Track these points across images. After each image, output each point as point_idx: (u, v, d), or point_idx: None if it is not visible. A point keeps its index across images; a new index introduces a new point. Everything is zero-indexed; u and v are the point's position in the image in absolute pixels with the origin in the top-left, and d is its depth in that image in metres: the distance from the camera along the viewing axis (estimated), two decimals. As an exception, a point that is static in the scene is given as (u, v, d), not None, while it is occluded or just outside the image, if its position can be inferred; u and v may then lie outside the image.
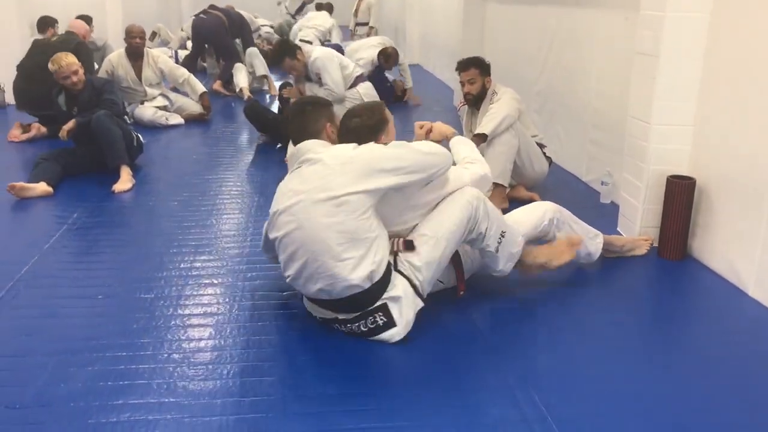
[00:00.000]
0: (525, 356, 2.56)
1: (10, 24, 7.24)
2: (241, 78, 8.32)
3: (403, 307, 2.57)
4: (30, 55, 6.26)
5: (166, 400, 2.25)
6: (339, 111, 2.99)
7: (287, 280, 2.67)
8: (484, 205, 2.73)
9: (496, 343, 2.63)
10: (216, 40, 8.96)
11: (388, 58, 7.70)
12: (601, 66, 4.57)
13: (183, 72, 6.90)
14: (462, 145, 3.12)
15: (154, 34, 11.55)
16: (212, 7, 9.29)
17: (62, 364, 2.44)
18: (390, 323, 2.56)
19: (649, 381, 2.40)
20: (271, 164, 5.33)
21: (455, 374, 2.42)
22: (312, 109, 2.83)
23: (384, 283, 2.54)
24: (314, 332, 2.70)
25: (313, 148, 2.66)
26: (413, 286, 2.59)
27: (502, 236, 2.80)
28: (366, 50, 7.80)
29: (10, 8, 7.26)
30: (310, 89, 5.92)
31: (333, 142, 2.77)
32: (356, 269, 2.47)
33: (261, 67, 8.62)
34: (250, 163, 5.43)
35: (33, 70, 5.98)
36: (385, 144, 2.67)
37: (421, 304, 2.62)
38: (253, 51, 8.69)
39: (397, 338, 2.57)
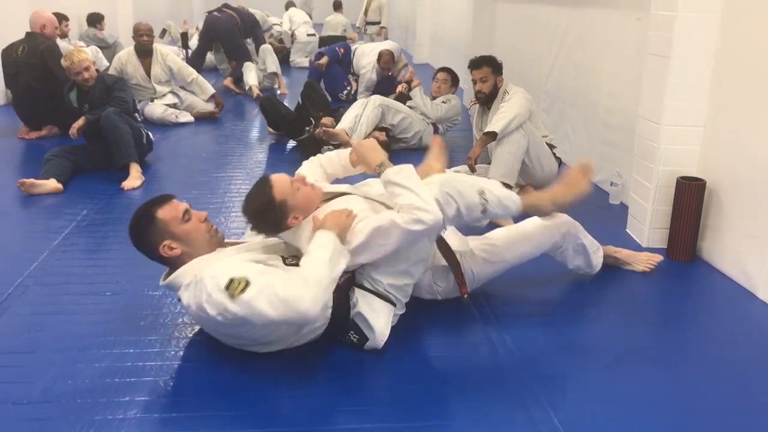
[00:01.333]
0: (533, 359, 2.55)
1: (22, 22, 7.26)
2: (251, 77, 8.34)
3: (372, 318, 2.48)
4: (6, 73, 6.13)
5: (174, 398, 2.26)
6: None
7: None
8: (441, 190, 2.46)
9: (504, 347, 2.63)
10: (229, 39, 8.97)
11: (379, 59, 7.68)
12: (611, 66, 4.55)
13: (191, 72, 6.92)
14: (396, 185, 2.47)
15: (164, 32, 11.59)
16: (226, 5, 9.30)
17: (70, 360, 2.45)
18: (363, 338, 2.49)
19: (657, 383, 2.39)
20: (281, 162, 5.34)
21: (463, 379, 2.42)
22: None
23: (341, 307, 2.48)
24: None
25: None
26: (378, 294, 2.52)
27: (484, 197, 2.55)
28: (368, 56, 7.81)
29: (23, 4, 7.29)
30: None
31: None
32: None
33: (272, 65, 8.65)
34: (259, 161, 5.44)
35: (21, 91, 5.94)
36: (295, 225, 2.48)
37: (394, 308, 2.54)
38: (266, 48, 8.73)
39: (379, 346, 2.49)
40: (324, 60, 8.00)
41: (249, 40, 9.32)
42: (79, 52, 4.86)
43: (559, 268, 3.16)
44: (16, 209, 4.16)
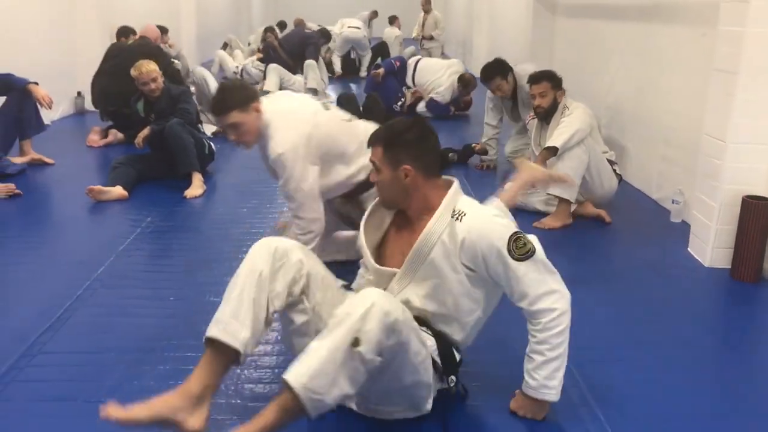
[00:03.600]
0: (590, 373, 2.52)
1: (92, 33, 7.55)
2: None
3: None
4: (107, 58, 6.51)
5: (233, 401, 2.31)
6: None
7: None
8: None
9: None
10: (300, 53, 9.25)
11: (467, 84, 7.80)
12: (674, 82, 4.47)
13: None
14: None
15: (225, 45, 11.88)
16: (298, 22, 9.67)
17: (136, 361, 2.53)
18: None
19: (716, 402, 2.35)
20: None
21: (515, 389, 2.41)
22: None
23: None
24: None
25: None
26: None
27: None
28: (442, 78, 7.87)
29: (92, 18, 7.58)
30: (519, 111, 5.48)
31: None
32: None
33: (312, 81, 8.92)
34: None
35: (112, 69, 6.22)
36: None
37: None
38: (310, 63, 8.92)
39: None
40: (380, 71, 8.19)
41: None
42: (149, 63, 5.02)
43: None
44: (84, 215, 4.31)
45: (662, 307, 3.13)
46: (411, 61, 8.32)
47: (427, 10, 13.14)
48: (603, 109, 5.51)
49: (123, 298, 3.09)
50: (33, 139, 5.42)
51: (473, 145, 5.65)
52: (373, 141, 2.18)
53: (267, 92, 8.63)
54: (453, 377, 2.20)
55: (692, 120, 3.97)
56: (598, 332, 2.87)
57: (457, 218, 2.09)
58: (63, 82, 7.08)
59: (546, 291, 2.08)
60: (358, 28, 11.81)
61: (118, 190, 4.54)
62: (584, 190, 4.22)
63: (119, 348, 2.62)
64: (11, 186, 4.53)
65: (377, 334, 1.82)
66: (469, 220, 2.08)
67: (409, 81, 8.12)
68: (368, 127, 3.14)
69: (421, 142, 2.15)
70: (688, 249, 3.75)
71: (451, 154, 5.61)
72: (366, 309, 1.83)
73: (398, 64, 8.34)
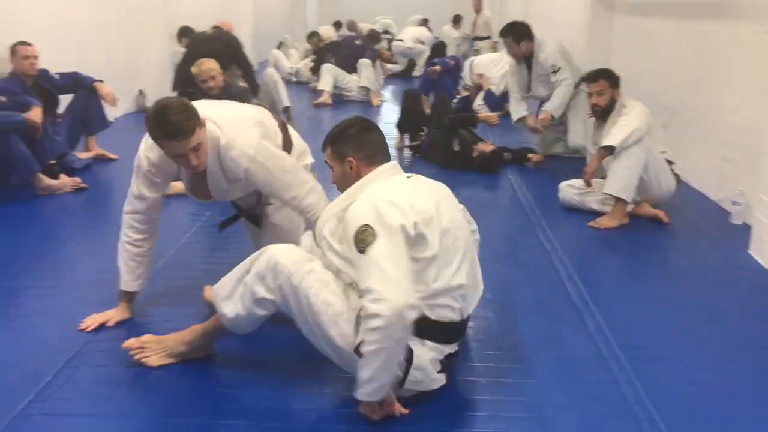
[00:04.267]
0: (644, 371, 2.50)
1: (154, 34, 7.77)
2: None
3: None
4: (189, 47, 6.69)
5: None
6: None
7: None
8: None
9: (613, 357, 2.59)
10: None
11: None
12: (736, 80, 4.38)
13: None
14: None
15: (280, 44, 12.04)
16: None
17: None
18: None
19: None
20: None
21: (571, 387, 2.41)
22: None
23: None
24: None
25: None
26: None
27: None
28: (494, 70, 7.86)
29: (154, 19, 7.79)
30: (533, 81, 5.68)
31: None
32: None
33: (365, 79, 8.95)
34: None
35: (193, 55, 6.23)
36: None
37: None
38: (364, 62, 8.98)
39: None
40: (437, 68, 8.25)
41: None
42: (208, 61, 5.14)
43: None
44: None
45: (721, 309, 3.08)
46: (467, 61, 8.39)
47: (478, 11, 13.11)
48: (661, 108, 5.42)
49: (185, 288, 3.19)
50: (98, 135, 5.61)
51: (529, 155, 5.66)
52: (324, 144, 2.43)
53: (322, 91, 8.73)
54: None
55: (755, 119, 3.89)
56: (654, 332, 2.85)
57: (348, 208, 2.21)
58: (126, 81, 7.30)
59: (367, 288, 2.01)
60: (422, 42, 11.95)
61: (179, 185, 4.65)
62: (641, 190, 4.16)
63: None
64: (77, 180, 4.71)
65: (261, 270, 2.25)
66: (354, 205, 2.20)
67: (466, 79, 8.16)
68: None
69: (361, 134, 2.37)
70: (749, 251, 3.67)
71: (506, 154, 5.62)
72: (264, 251, 2.29)
73: (453, 62, 8.51)
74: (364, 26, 13.47)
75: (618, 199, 4.06)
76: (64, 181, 4.63)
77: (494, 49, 12.91)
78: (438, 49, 10.74)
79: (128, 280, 2.82)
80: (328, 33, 12.81)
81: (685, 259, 3.75)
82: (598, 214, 4.20)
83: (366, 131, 2.40)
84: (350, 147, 2.35)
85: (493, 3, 16.35)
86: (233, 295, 2.34)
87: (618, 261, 3.83)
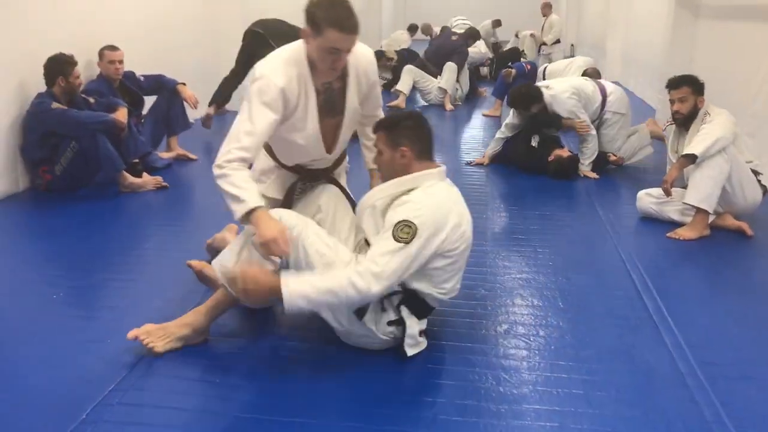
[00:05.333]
0: (724, 390, 2.41)
1: (234, 37, 7.91)
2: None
3: None
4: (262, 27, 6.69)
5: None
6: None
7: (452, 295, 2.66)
8: None
9: (691, 374, 2.51)
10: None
11: (591, 78, 7.55)
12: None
13: None
14: None
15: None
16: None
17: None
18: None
19: None
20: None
21: (646, 402, 2.35)
22: None
23: None
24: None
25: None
26: None
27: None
28: (566, 73, 7.71)
29: (234, 23, 7.97)
30: None
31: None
32: None
33: (446, 82, 8.82)
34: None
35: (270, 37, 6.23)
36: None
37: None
38: (450, 65, 8.85)
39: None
40: (512, 71, 8.19)
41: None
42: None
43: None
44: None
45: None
46: (541, 68, 8.32)
47: (545, 14, 12.72)
48: (748, 117, 5.21)
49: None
50: (179, 136, 5.79)
51: (609, 155, 5.52)
52: (377, 127, 2.62)
53: (399, 92, 8.70)
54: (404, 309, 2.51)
55: None
56: (734, 349, 2.74)
57: (403, 195, 2.48)
58: (207, 83, 7.49)
59: (374, 258, 2.33)
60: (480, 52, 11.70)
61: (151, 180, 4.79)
62: (724, 201, 4.01)
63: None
64: (159, 179, 4.87)
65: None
66: (416, 198, 2.45)
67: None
68: None
69: (418, 128, 2.57)
70: (841, 267, 3.49)
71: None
72: None
73: (529, 67, 8.46)
74: (437, 30, 13.34)
75: (699, 210, 3.93)
76: (147, 180, 4.80)
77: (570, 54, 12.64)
78: (511, 54, 10.63)
79: (253, 193, 2.41)
80: (402, 37, 12.74)
81: (770, 275, 3.60)
82: (677, 224, 4.07)
83: (422, 128, 2.60)
84: (407, 138, 2.52)
85: (570, 7, 16.09)
86: (239, 261, 2.50)
87: (697, 274, 3.70)
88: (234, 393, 2.39)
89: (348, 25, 2.39)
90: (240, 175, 2.41)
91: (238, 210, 2.38)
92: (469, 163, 5.85)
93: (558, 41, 12.65)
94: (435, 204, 2.44)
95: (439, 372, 2.53)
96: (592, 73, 7.47)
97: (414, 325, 2.54)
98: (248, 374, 2.50)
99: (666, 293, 3.21)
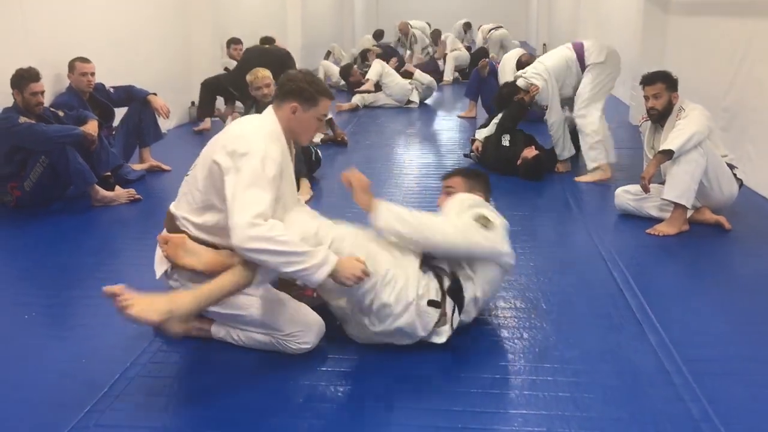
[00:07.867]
0: (710, 387, 2.40)
1: (204, 46, 7.90)
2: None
3: None
4: (247, 54, 7.11)
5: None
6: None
7: None
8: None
9: (677, 371, 2.50)
10: None
11: (521, 66, 7.46)
12: (802, 80, 4.20)
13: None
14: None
15: (328, 53, 12.10)
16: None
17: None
18: None
19: None
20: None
21: (633, 402, 2.33)
22: None
23: None
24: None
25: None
26: None
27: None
28: (507, 67, 7.70)
29: (205, 32, 7.91)
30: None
31: None
32: None
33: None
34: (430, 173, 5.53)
35: (251, 66, 6.35)
36: None
37: None
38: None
39: None
40: (486, 63, 8.21)
41: None
42: (264, 70, 5.25)
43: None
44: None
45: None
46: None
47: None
48: (720, 110, 5.25)
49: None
50: (151, 147, 5.70)
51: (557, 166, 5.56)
52: (453, 173, 3.17)
53: (368, 80, 8.86)
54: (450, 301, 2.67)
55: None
56: (718, 344, 2.75)
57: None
58: (178, 93, 7.42)
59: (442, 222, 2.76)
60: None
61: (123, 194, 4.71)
62: (702, 195, 4.02)
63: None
64: (132, 191, 4.78)
65: None
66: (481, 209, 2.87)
67: (500, 79, 8.05)
68: None
69: (485, 182, 3.14)
70: (818, 258, 3.51)
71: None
72: None
73: (498, 65, 8.29)
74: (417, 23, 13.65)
75: (677, 205, 3.94)
76: (119, 193, 4.71)
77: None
78: (479, 55, 10.73)
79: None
80: (368, 43, 12.87)
81: (749, 267, 3.61)
82: (656, 220, 4.08)
83: (485, 179, 3.18)
84: (481, 189, 3.07)
85: (541, 5, 16.22)
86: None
87: (678, 270, 3.70)
88: (213, 411, 2.33)
89: (330, 93, 2.78)
90: (280, 227, 2.40)
91: (321, 273, 2.40)
92: (467, 155, 5.99)
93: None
94: (503, 224, 2.87)
95: (420, 379, 2.50)
96: (528, 59, 7.37)
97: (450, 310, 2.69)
98: (229, 392, 2.44)
99: (648, 290, 3.20)
